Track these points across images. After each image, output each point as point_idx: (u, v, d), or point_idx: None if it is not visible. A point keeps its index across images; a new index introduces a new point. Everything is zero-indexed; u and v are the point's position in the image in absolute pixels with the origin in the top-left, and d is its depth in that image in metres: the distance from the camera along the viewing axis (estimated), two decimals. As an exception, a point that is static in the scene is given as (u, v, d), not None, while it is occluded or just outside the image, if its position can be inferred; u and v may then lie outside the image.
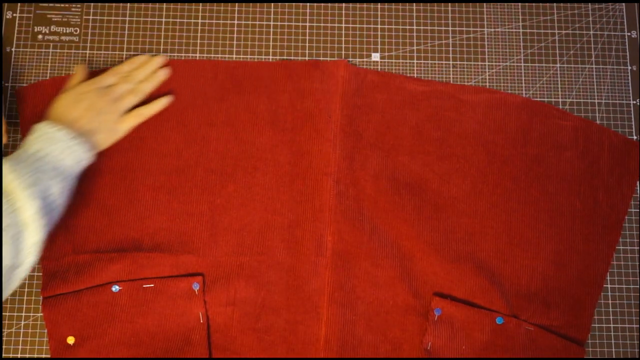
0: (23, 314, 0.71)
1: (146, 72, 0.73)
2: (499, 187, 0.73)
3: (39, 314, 0.70)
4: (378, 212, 0.71)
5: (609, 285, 0.73)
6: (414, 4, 0.81)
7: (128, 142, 0.73)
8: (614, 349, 0.72)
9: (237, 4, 0.79)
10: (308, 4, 0.80)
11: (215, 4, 0.79)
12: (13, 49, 0.77)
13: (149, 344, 0.68)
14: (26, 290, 0.71)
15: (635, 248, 0.74)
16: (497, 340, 0.68)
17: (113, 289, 0.68)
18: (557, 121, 0.75)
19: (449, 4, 0.81)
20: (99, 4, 0.79)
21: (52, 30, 0.78)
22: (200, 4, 0.79)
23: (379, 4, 0.80)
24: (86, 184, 0.71)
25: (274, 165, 0.73)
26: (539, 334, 0.69)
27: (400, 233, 0.71)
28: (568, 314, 0.70)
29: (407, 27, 0.80)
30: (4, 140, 0.69)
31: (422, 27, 0.80)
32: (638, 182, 0.75)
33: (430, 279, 0.70)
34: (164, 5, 0.79)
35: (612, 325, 0.72)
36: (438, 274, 0.70)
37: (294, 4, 0.80)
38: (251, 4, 0.79)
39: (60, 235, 0.70)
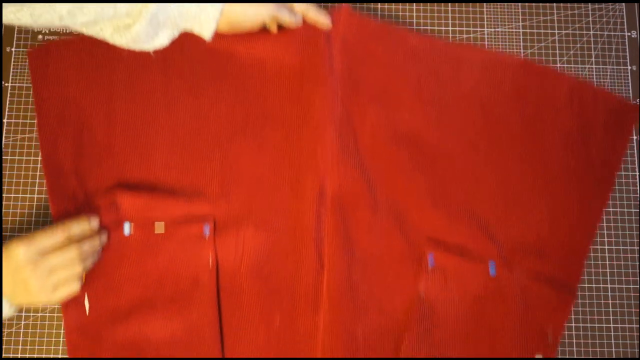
0: (23, 314, 0.70)
1: (94, 246, 0.67)
2: (495, 143, 0.74)
3: (39, 314, 0.71)
4: (376, 164, 0.73)
5: (609, 285, 0.73)
6: (414, 4, 0.81)
7: (138, 100, 0.74)
8: (614, 349, 0.72)
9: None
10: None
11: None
12: (13, 49, 0.77)
13: (159, 285, 0.69)
14: (26, 290, 0.71)
15: (635, 248, 0.74)
16: (489, 290, 0.70)
17: (125, 231, 0.70)
18: (553, 81, 0.76)
19: (449, 4, 0.81)
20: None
21: (52, 30, 0.78)
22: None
23: (379, 4, 0.80)
24: (99, 138, 0.73)
25: (283, 119, 0.74)
26: (530, 284, 0.70)
27: (397, 185, 0.73)
28: (561, 262, 0.71)
29: (407, 27, 0.80)
30: None
31: (422, 27, 0.80)
32: (637, 154, 0.75)
33: (425, 228, 0.72)
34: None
35: (612, 325, 0.72)
36: (433, 223, 0.72)
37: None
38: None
39: (72, 180, 0.71)
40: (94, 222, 0.68)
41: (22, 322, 0.70)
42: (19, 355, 0.70)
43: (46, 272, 0.62)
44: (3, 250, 0.62)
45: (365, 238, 0.71)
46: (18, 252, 0.62)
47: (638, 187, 0.76)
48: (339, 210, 0.71)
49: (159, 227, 0.70)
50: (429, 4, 0.81)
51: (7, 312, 0.64)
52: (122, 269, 0.69)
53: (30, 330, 0.70)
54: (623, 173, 0.76)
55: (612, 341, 0.72)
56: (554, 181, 0.73)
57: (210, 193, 0.72)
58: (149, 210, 0.70)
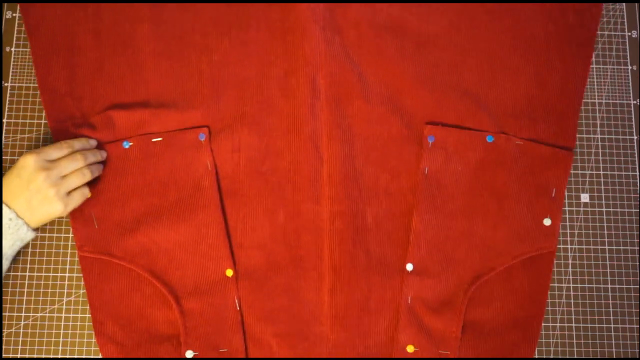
0: (23, 314, 0.71)
1: (97, 157, 0.70)
2: (475, 20, 0.77)
3: (39, 314, 0.71)
4: (363, 56, 0.75)
5: (609, 285, 0.73)
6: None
7: (124, 15, 0.76)
8: (614, 349, 0.72)
9: None
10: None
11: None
12: (13, 49, 0.77)
13: (161, 193, 0.71)
14: (26, 290, 0.71)
15: (636, 248, 0.74)
16: (489, 157, 0.72)
17: (124, 145, 0.72)
18: None
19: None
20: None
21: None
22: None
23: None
24: (88, 57, 0.75)
25: (266, 21, 0.76)
26: (528, 146, 0.73)
27: (387, 71, 0.75)
28: (554, 125, 0.74)
29: None
30: None
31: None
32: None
33: (420, 109, 0.74)
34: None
35: (612, 325, 0.72)
36: (427, 104, 0.74)
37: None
38: None
39: (67, 101, 0.74)
40: (93, 141, 0.71)
41: (22, 322, 0.70)
42: (19, 355, 0.70)
43: (59, 177, 0.66)
44: (15, 164, 0.65)
45: (364, 126, 0.73)
46: (29, 161, 0.65)
47: (638, 187, 0.76)
48: (333, 103, 0.73)
49: (156, 135, 0.73)
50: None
51: (28, 236, 0.66)
52: (125, 182, 0.72)
53: (30, 331, 0.70)
54: (623, 173, 0.76)
55: (613, 341, 0.72)
56: (536, 46, 0.76)
57: (202, 100, 0.74)
58: (145, 126, 0.73)
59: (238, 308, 0.69)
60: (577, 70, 0.76)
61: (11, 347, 0.70)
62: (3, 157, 0.74)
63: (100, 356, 0.69)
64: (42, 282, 0.71)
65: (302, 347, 0.69)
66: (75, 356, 0.70)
